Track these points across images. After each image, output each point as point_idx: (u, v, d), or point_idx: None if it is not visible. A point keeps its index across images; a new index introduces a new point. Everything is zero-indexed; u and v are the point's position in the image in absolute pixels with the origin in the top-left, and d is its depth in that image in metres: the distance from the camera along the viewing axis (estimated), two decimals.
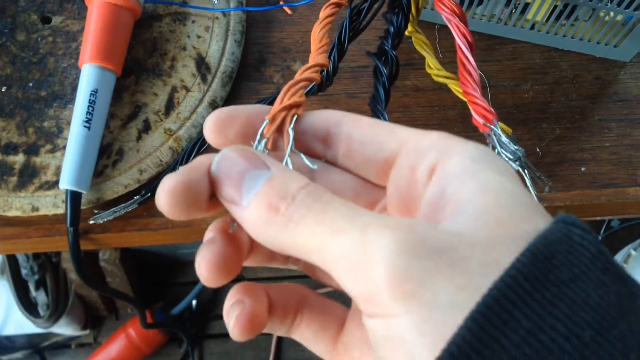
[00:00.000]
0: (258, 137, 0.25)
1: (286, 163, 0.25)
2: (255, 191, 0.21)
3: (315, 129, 0.26)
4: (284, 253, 0.22)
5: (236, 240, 0.24)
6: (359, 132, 0.25)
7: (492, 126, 0.38)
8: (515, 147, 0.37)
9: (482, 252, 0.18)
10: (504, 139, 0.37)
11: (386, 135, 0.24)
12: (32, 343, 1.35)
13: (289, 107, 0.26)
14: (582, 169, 0.51)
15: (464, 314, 0.17)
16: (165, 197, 0.21)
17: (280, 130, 0.26)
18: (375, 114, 0.40)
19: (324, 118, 0.26)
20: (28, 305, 1.19)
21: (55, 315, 1.21)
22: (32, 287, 1.20)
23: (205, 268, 0.23)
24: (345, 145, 0.25)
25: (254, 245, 0.26)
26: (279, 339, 1.34)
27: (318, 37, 0.36)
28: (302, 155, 0.25)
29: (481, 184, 0.20)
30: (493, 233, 0.19)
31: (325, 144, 0.26)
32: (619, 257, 1.20)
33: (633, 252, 1.16)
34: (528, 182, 0.40)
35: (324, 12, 0.39)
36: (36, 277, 1.18)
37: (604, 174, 0.51)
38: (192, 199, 0.22)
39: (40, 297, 1.21)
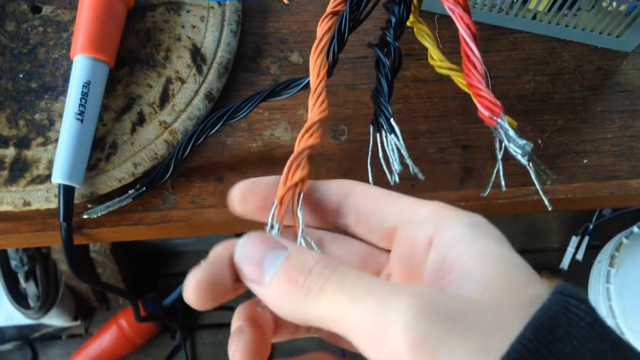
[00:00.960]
0: (270, 220, 0.27)
1: (300, 244, 0.27)
2: (275, 269, 0.23)
3: (327, 201, 0.28)
4: (306, 324, 0.23)
5: (262, 324, 0.26)
6: (365, 203, 0.27)
7: (499, 120, 0.37)
8: (524, 141, 0.36)
9: (491, 317, 0.20)
10: (512, 132, 0.36)
11: (389, 206, 0.27)
12: (22, 334, 1.34)
13: (295, 186, 0.27)
14: (584, 161, 0.50)
15: None
16: (193, 295, 0.23)
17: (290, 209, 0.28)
18: (379, 107, 0.39)
19: (334, 190, 0.28)
20: (18, 297, 1.18)
21: (45, 306, 1.20)
22: (21, 279, 1.19)
23: (241, 359, 0.25)
24: (354, 215, 0.28)
25: (278, 324, 0.28)
26: None
27: (317, 67, 0.35)
28: (312, 242, 0.27)
29: (480, 252, 0.22)
30: (499, 299, 0.21)
31: (337, 214, 0.28)
32: (610, 245, 1.21)
33: (625, 240, 1.17)
34: (533, 175, 0.39)
35: (321, 28, 0.37)
36: (26, 268, 1.17)
37: (606, 166, 0.51)
38: (218, 291, 0.24)
39: (30, 289, 1.20)
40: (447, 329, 0.19)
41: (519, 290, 0.21)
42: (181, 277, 1.33)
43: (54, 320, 1.26)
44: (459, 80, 0.44)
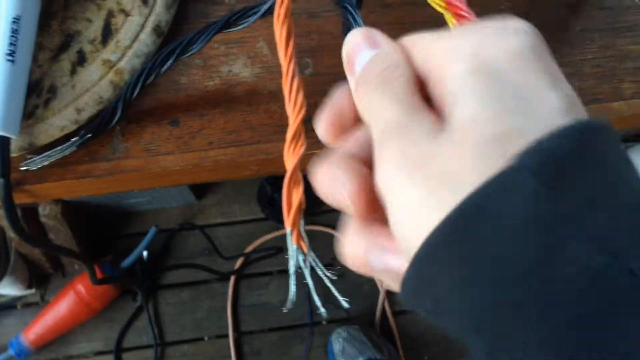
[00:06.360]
0: (290, 249, 0.28)
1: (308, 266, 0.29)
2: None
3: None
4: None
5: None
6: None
7: None
8: None
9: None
10: None
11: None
12: None
13: (299, 209, 0.28)
14: None
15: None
16: (324, 130, 0.26)
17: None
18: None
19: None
20: None
21: None
22: None
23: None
24: None
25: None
26: (236, 286, 1.30)
27: (283, 39, 0.30)
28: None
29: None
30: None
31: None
32: None
33: None
34: None
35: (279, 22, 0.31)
36: None
37: (586, 89, 0.48)
38: (341, 124, 0.26)
39: None
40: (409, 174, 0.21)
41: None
42: (139, 237, 1.28)
43: (7, 289, 1.21)
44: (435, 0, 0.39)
